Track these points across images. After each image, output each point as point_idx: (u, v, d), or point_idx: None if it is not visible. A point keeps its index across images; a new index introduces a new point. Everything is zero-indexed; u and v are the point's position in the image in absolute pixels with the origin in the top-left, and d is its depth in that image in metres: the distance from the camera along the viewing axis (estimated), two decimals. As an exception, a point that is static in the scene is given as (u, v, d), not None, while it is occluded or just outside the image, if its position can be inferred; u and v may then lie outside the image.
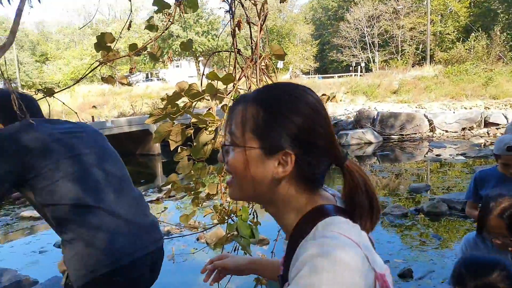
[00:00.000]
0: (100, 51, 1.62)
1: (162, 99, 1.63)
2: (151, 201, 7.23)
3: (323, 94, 1.82)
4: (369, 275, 0.60)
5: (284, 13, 38.65)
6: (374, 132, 13.30)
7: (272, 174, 0.68)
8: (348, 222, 0.66)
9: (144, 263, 1.41)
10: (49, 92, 1.59)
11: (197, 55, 32.42)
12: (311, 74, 35.22)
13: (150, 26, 1.72)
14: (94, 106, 18.31)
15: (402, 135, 13.60)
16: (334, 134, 0.73)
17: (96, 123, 11.63)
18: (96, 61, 1.59)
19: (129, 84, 1.74)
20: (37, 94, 1.56)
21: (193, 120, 1.70)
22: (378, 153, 11.61)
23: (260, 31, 1.84)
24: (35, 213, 7.14)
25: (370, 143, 12.90)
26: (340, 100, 16.54)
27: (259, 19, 1.84)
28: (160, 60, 2.02)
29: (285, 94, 0.70)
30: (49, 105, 1.50)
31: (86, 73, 1.55)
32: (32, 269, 3.99)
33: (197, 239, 5.11)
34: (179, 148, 1.66)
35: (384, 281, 0.62)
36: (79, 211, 1.33)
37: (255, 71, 1.90)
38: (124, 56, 1.70)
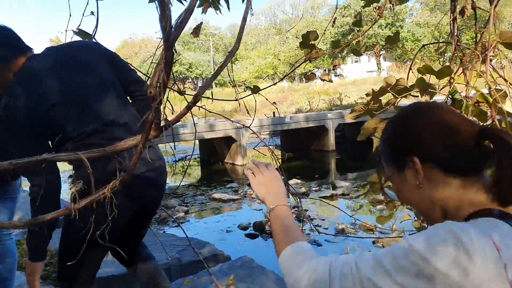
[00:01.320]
0: (304, 49, 1.58)
1: (367, 94, 1.49)
2: (324, 197, 7.23)
3: None
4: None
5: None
6: None
7: None
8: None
9: None
10: (256, 89, 1.66)
11: (379, 49, 31.11)
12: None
13: (357, 22, 1.60)
14: (274, 103, 19.62)
15: None
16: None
17: (277, 119, 12.39)
18: (301, 58, 1.55)
19: (330, 81, 1.66)
20: (245, 90, 1.63)
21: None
22: None
23: (493, 16, 1.49)
24: (224, 196, 8.06)
25: None
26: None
27: (492, 4, 1.51)
28: (339, 55, 1.88)
29: None
30: (255, 101, 1.57)
31: (291, 70, 1.53)
32: (222, 245, 4.45)
33: (373, 243, 4.85)
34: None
35: None
36: None
37: (477, 63, 1.57)
38: (327, 53, 1.63)
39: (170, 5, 0.94)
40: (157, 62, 1.01)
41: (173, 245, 3.04)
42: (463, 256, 0.56)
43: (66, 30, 2.05)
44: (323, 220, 6.01)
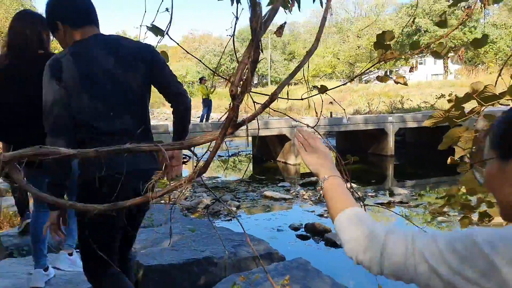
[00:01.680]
0: (378, 50, 1.51)
1: (449, 100, 1.39)
2: (381, 204, 6.97)
3: None
4: None
5: None
6: None
7: None
8: None
9: None
10: (323, 89, 1.60)
11: (463, 52, 29.36)
12: None
13: (442, 22, 1.50)
14: (331, 102, 19.28)
15: None
16: None
17: (334, 119, 12.16)
18: (376, 58, 1.47)
19: (405, 84, 1.57)
20: (312, 90, 1.58)
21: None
22: None
23: None
24: (276, 194, 8.06)
25: None
26: None
27: None
28: (403, 57, 1.77)
29: None
30: (322, 101, 1.52)
31: (363, 70, 1.46)
32: (273, 244, 4.45)
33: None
34: (466, 157, 1.38)
35: None
36: None
37: None
38: (403, 56, 1.54)
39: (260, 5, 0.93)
40: (240, 61, 1.02)
41: (228, 239, 3.08)
42: None
43: (140, 26, 2.14)
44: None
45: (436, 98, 13.81)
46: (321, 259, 4.25)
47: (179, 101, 1.75)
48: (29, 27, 2.16)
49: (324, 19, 1.22)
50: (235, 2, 1.89)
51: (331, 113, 13.43)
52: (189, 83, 43.54)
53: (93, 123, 1.60)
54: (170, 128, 10.39)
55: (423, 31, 29.42)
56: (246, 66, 0.91)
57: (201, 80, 13.86)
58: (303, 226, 5.80)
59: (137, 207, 1.78)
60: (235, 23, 1.78)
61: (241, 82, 1.02)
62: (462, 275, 0.59)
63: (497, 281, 0.55)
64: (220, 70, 44.01)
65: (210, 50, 43.01)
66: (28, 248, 3.01)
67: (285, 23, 1.04)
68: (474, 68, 27.15)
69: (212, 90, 13.82)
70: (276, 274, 2.22)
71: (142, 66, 1.66)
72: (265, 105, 1.19)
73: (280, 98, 1.38)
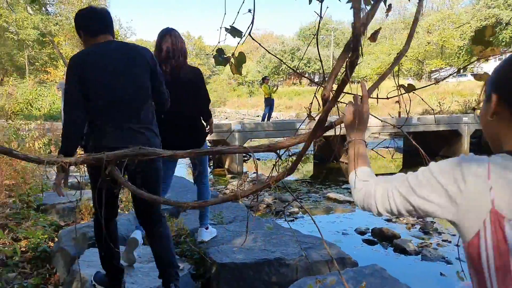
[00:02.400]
0: (477, 47, 1.40)
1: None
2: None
3: None
4: (481, 200, 0.73)
5: None
6: None
7: None
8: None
9: None
10: (411, 88, 1.54)
11: None
12: None
13: None
14: (397, 101, 18.41)
15: None
16: None
17: (402, 119, 11.60)
18: (474, 55, 1.37)
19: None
20: (399, 89, 1.52)
21: None
22: None
23: None
24: (340, 196, 7.87)
25: None
26: None
27: None
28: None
29: None
30: (410, 100, 1.45)
31: (460, 67, 1.37)
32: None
33: None
34: None
35: (499, 222, 0.71)
36: None
37: None
38: (505, 52, 1.43)
39: (364, 8, 0.90)
40: (335, 65, 0.99)
41: (297, 242, 3.05)
42: (459, 177, 0.76)
43: (220, 28, 2.20)
44: (454, 235, 5.44)
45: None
46: (392, 266, 4.07)
47: (161, 98, 2.27)
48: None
49: (416, 20, 1.18)
50: (318, 1, 1.85)
51: (399, 112, 12.84)
52: (250, 82, 44.09)
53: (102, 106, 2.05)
54: (233, 127, 10.59)
55: (504, 24, 27.04)
56: (339, 70, 0.89)
57: (264, 79, 13.96)
58: (370, 230, 5.61)
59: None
60: (319, 22, 1.76)
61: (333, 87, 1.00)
62: (424, 198, 0.81)
63: (445, 195, 0.78)
64: (280, 69, 44.04)
65: (271, 50, 43.21)
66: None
67: (380, 28, 1.00)
68: None
69: (275, 89, 13.86)
70: (351, 280, 2.16)
71: (144, 63, 2.12)
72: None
73: (372, 98, 1.34)
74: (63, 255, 3.02)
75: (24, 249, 3.27)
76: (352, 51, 0.88)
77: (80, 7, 22.36)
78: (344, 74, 0.92)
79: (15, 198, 4.42)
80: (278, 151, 1.29)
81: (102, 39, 2.11)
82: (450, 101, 16.08)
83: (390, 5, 1.00)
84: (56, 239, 3.44)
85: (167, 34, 2.82)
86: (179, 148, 1.28)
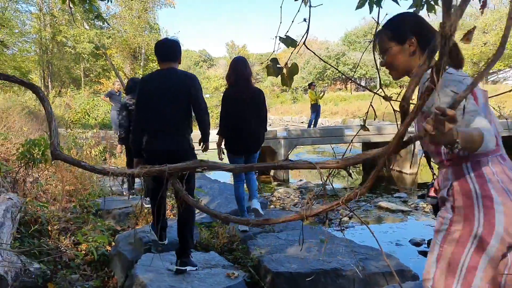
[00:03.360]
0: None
1: None
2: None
3: None
4: None
5: None
6: None
7: None
8: None
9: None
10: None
11: None
12: None
13: None
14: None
15: None
16: None
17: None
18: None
19: None
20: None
21: None
22: None
23: None
24: (392, 205, 7.57)
25: None
26: None
27: None
28: None
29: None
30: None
31: None
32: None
33: None
34: None
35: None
36: None
37: None
38: None
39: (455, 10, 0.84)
40: (414, 73, 0.93)
41: (353, 252, 2.95)
42: None
43: (275, 37, 2.18)
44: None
45: None
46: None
47: (201, 115, 2.87)
48: None
49: (510, 20, 1.08)
50: (374, 6, 1.79)
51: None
52: (293, 89, 43.91)
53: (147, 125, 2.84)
54: (279, 134, 10.56)
55: None
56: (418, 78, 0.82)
57: (310, 85, 13.84)
58: (426, 242, 5.33)
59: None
60: (376, 28, 1.68)
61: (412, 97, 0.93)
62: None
63: None
64: (325, 75, 43.54)
65: (315, 55, 42.81)
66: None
67: (474, 27, 0.93)
68: None
69: (321, 95, 13.69)
70: (413, 295, 2.04)
71: (185, 88, 2.77)
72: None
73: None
74: (121, 259, 3.12)
75: (84, 252, 3.42)
76: (439, 54, 0.81)
77: (130, 20, 23.59)
78: (429, 80, 0.85)
79: (75, 203, 4.66)
80: (348, 168, 1.25)
81: (166, 66, 2.84)
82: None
83: (485, 1, 0.92)
84: (113, 243, 3.56)
85: (233, 62, 3.84)
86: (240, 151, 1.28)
